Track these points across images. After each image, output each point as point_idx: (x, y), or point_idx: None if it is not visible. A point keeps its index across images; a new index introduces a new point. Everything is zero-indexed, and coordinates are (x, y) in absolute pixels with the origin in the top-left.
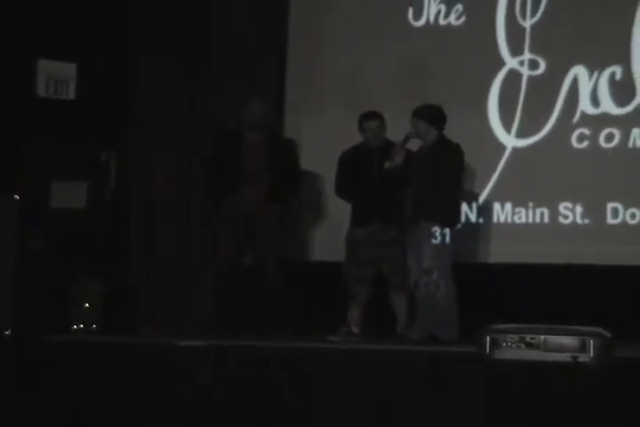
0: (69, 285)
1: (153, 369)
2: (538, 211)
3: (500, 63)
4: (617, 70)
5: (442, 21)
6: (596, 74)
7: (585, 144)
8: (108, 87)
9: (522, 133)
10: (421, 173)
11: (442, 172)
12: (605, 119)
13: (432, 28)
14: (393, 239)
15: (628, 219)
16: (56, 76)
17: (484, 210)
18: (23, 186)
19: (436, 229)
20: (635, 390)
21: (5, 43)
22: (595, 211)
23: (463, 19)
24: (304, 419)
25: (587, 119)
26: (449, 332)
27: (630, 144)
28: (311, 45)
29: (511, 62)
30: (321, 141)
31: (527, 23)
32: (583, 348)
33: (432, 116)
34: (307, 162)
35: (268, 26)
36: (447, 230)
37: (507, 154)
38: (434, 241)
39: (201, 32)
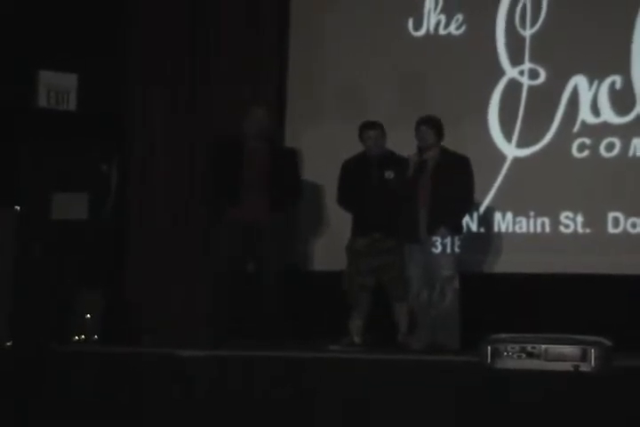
0: (70, 296)
1: (154, 379)
2: (539, 220)
3: (501, 73)
4: (617, 79)
5: (442, 31)
6: (596, 83)
7: (585, 153)
8: (108, 98)
9: (522, 143)
10: (436, 185)
11: (462, 183)
12: (606, 129)
13: (432, 38)
14: (394, 249)
15: (629, 228)
16: (57, 87)
17: (485, 219)
18: (24, 197)
19: (448, 239)
20: (636, 398)
21: (6, 54)
22: (596, 220)
23: (463, 29)
24: None
25: (587, 129)
26: (451, 341)
27: (631, 153)
28: (312, 55)
29: (511, 72)
30: (322, 151)
31: (527, 33)
32: (584, 357)
33: (440, 126)
34: (308, 171)
35: (269, 36)
36: (456, 240)
37: (507, 163)
38: (449, 251)
39: (201, 42)
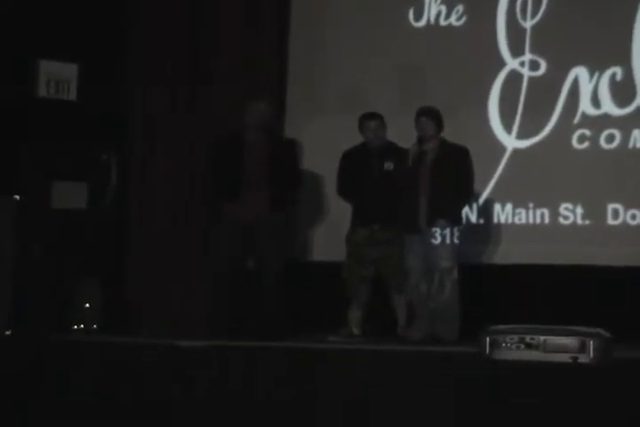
0: (70, 285)
1: (153, 369)
2: (538, 212)
3: (501, 64)
4: (618, 71)
5: (442, 22)
6: (596, 75)
7: (585, 145)
8: (108, 88)
9: (522, 134)
10: (435, 176)
11: (462, 175)
12: (606, 120)
13: (433, 29)
14: (393, 240)
15: (628, 220)
16: (57, 77)
17: (485, 211)
18: (23, 186)
19: (447, 230)
20: (635, 390)
21: (7, 43)
22: (595, 212)
23: (464, 19)
24: (305, 419)
25: (587, 120)
26: (450, 332)
27: (631, 145)
28: (312, 46)
29: (512, 63)
30: (322, 142)
31: (528, 24)
32: (583, 349)
33: (440, 117)
34: (308, 162)
35: (270, 27)
36: (455, 231)
37: (507, 155)
38: (448, 241)
39: (202, 34)
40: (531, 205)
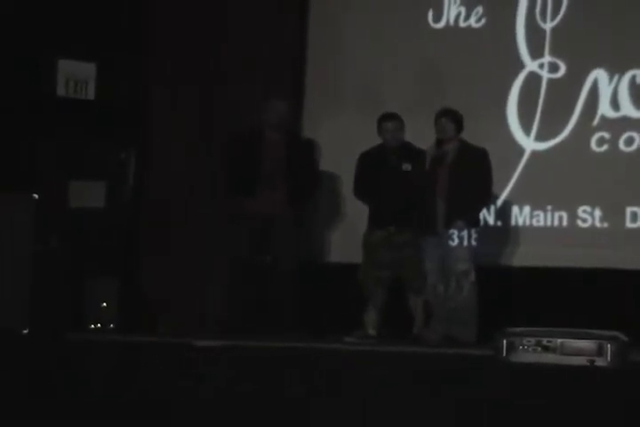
0: (86, 284)
1: (168, 369)
2: (556, 214)
3: (520, 66)
4: (637, 74)
5: (462, 24)
6: (616, 77)
7: (604, 148)
8: (126, 87)
9: (541, 136)
10: (454, 177)
11: (481, 176)
12: (625, 123)
13: (452, 31)
14: (410, 241)
15: None
16: (76, 76)
17: (503, 213)
18: (41, 185)
19: (465, 232)
20: None
21: (26, 43)
22: (614, 215)
23: (483, 21)
24: (318, 419)
25: (606, 123)
26: (467, 334)
27: None
28: (330, 46)
29: (531, 65)
30: (339, 143)
31: (547, 26)
32: (600, 352)
33: (460, 119)
34: (325, 163)
35: (287, 27)
36: (473, 233)
37: (526, 157)
38: (465, 243)
39: (218, 32)
40: (549, 207)
